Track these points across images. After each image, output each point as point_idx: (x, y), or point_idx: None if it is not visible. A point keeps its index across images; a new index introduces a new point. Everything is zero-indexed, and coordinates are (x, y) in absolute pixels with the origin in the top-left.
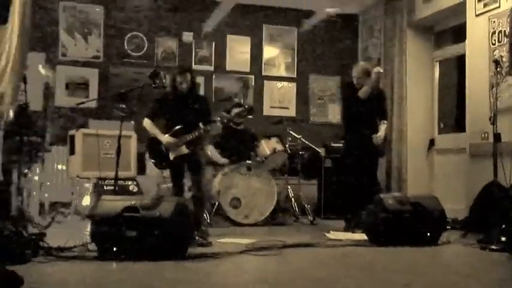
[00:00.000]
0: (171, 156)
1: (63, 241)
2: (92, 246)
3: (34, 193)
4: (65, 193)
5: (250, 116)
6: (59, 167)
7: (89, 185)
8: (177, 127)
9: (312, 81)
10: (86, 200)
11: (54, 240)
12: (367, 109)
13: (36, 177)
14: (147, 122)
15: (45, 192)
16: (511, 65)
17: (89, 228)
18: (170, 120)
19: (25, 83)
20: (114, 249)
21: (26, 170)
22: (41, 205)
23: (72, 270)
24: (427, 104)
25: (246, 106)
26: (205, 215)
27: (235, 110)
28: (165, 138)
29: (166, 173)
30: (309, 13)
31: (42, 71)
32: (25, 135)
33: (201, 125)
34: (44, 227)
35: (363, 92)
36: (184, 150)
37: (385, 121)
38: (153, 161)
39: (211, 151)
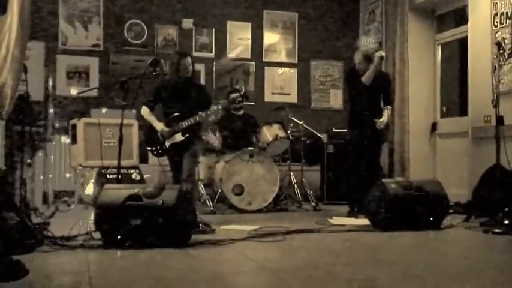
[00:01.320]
0: (167, 144)
1: (67, 230)
2: (96, 235)
3: (37, 183)
4: (68, 182)
5: (246, 102)
6: (62, 156)
7: (91, 174)
8: (174, 114)
9: (313, 67)
10: (89, 189)
11: (58, 230)
12: (370, 94)
13: (39, 167)
14: (144, 110)
15: (48, 182)
16: None
17: (92, 217)
18: (169, 107)
19: (25, 72)
20: (118, 237)
21: (29, 160)
22: (45, 195)
23: (77, 259)
24: (429, 87)
25: (241, 92)
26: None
27: (232, 96)
28: (160, 125)
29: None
30: None
31: None
32: (27, 125)
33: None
34: (48, 217)
35: (365, 77)
36: (179, 137)
37: (390, 106)
38: (149, 148)
39: (208, 136)
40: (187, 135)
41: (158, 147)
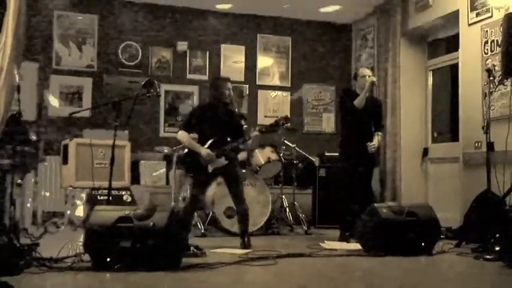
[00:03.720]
0: (210, 169)
1: (56, 251)
2: (86, 257)
3: (27, 203)
4: (58, 203)
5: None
6: (53, 176)
7: (82, 195)
8: (212, 139)
9: (306, 91)
10: (79, 210)
11: (47, 251)
12: (362, 118)
13: (29, 187)
14: (183, 135)
15: (38, 202)
16: (503, 74)
17: (82, 239)
18: (208, 132)
19: (19, 92)
20: (108, 259)
21: (19, 180)
22: (34, 215)
23: (66, 281)
24: (421, 113)
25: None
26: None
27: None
28: (205, 150)
29: (161, 182)
30: (303, 23)
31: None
32: (18, 145)
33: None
34: (37, 238)
35: (357, 101)
36: (223, 162)
37: (380, 132)
38: (191, 175)
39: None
40: (230, 159)
41: (201, 173)
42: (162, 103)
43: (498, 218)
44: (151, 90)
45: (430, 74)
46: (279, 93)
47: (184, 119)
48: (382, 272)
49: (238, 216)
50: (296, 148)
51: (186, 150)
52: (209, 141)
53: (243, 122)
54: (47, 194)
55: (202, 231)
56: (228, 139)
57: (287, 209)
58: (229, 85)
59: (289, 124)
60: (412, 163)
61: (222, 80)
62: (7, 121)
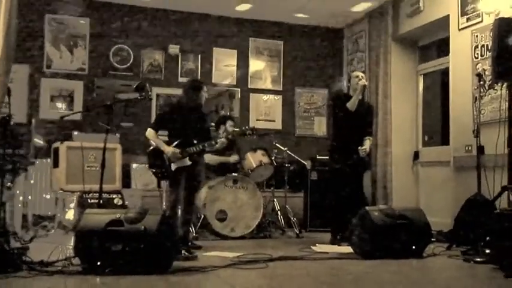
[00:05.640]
0: (173, 167)
1: (46, 255)
2: (76, 261)
3: (17, 206)
4: (48, 206)
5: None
6: (43, 180)
7: (72, 198)
8: (178, 140)
9: (297, 94)
10: (70, 214)
11: (37, 254)
12: (354, 122)
13: (19, 190)
14: (150, 132)
15: (28, 206)
16: (493, 78)
17: (72, 242)
18: (175, 132)
19: (9, 95)
20: (98, 263)
21: (9, 183)
22: (24, 218)
23: (56, 285)
24: (412, 116)
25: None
26: (192, 229)
27: (230, 127)
28: (170, 149)
29: (152, 185)
30: (295, 27)
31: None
32: (8, 148)
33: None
34: (27, 241)
35: (350, 104)
36: (187, 162)
37: (370, 137)
38: (153, 170)
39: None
40: (193, 160)
41: (163, 170)
42: (153, 106)
43: (488, 221)
44: (143, 93)
45: (421, 78)
46: (271, 96)
47: (155, 118)
48: (373, 275)
49: (183, 219)
50: (288, 151)
51: (152, 147)
52: (175, 142)
53: (236, 157)
54: (37, 197)
55: (194, 234)
56: (195, 141)
57: (279, 213)
58: (205, 88)
59: (255, 136)
60: (403, 167)
61: (201, 83)
62: None
